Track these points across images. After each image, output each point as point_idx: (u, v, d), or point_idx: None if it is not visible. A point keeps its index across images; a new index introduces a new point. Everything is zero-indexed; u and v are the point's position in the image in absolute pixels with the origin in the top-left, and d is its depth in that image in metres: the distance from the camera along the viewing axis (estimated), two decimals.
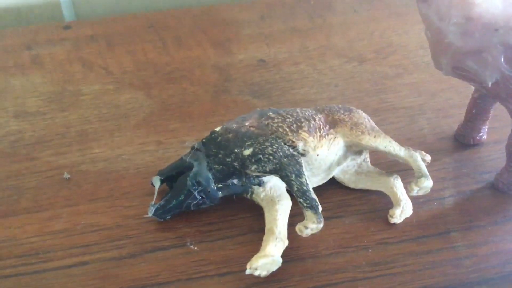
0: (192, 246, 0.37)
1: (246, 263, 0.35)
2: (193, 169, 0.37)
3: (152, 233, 0.38)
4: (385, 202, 0.39)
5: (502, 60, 0.35)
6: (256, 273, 0.34)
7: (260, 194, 0.37)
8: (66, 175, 0.42)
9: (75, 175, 0.42)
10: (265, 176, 0.37)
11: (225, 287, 0.34)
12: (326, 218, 0.37)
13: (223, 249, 0.37)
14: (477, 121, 0.43)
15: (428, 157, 0.41)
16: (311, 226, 0.34)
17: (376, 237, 0.37)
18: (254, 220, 0.38)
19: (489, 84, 0.36)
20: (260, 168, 0.36)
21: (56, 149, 0.45)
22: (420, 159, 0.38)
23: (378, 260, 0.36)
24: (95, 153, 0.44)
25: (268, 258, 0.34)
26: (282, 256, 0.35)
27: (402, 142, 0.41)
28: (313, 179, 0.38)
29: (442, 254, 0.36)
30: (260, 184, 0.37)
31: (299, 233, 0.35)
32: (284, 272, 0.35)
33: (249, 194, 0.38)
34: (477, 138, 0.44)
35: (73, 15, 0.67)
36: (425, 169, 0.37)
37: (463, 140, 0.44)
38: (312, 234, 0.35)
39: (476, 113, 0.43)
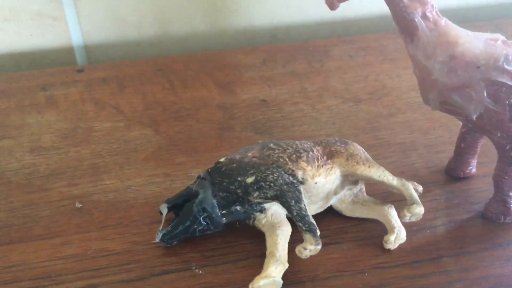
0: (197, 270, 0.39)
1: (248, 285, 0.37)
2: (199, 196, 0.40)
3: (159, 257, 0.40)
4: (380, 229, 0.41)
5: (485, 94, 0.38)
6: None
7: (261, 220, 0.40)
8: (78, 204, 0.45)
9: (87, 204, 0.45)
10: (266, 202, 0.39)
11: None
12: (324, 244, 0.39)
13: (226, 272, 0.39)
14: (466, 155, 0.46)
15: (420, 188, 0.43)
16: (310, 247, 0.36)
17: (372, 261, 0.39)
18: (256, 246, 0.40)
19: (474, 118, 0.39)
20: (262, 194, 0.38)
21: (69, 180, 0.48)
22: (412, 188, 0.40)
23: (374, 284, 0.38)
24: (106, 184, 0.47)
25: (269, 279, 0.36)
26: (282, 279, 0.37)
27: (395, 174, 0.44)
28: (311, 207, 0.40)
29: (434, 278, 0.38)
30: (262, 211, 0.40)
31: (298, 254, 0.37)
32: None
33: (251, 220, 0.40)
34: (467, 171, 0.46)
35: (86, 60, 0.71)
36: (416, 197, 0.40)
37: (454, 174, 0.47)
38: (311, 257, 0.37)
39: (464, 147, 0.45)
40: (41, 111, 0.57)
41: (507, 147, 0.40)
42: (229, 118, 0.56)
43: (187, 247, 0.40)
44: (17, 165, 0.50)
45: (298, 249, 0.37)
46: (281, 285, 0.36)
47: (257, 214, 0.40)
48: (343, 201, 0.43)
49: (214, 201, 0.39)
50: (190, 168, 0.49)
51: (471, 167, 0.47)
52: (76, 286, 0.38)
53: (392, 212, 0.41)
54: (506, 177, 0.41)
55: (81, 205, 0.45)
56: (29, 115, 0.57)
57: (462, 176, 0.47)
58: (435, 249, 0.40)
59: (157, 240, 0.40)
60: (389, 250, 0.40)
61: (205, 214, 0.39)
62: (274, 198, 0.38)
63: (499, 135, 0.39)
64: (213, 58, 0.67)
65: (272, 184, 0.38)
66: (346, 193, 0.43)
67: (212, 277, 0.38)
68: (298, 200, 0.38)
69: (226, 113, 0.56)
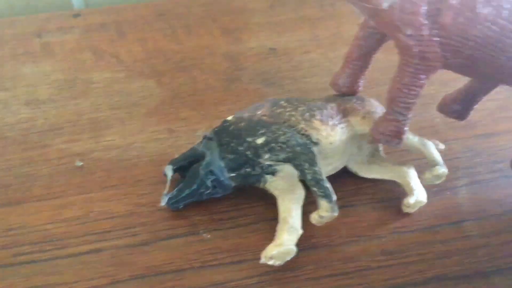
0: (205, 234, 0.37)
1: (259, 251, 0.35)
2: (206, 158, 0.37)
3: (165, 221, 0.38)
4: (399, 191, 0.39)
5: None
6: (271, 262, 0.34)
7: (273, 183, 0.37)
8: (78, 163, 0.42)
9: (88, 162, 0.43)
10: (278, 165, 0.37)
11: (239, 275, 0.35)
12: (339, 207, 0.37)
13: (236, 237, 0.37)
14: (357, 68, 0.39)
15: (441, 146, 0.40)
16: (326, 215, 0.34)
17: (389, 226, 0.37)
18: (267, 209, 0.38)
19: (384, 7, 0.32)
20: (274, 157, 0.36)
21: (68, 136, 0.45)
22: (434, 148, 0.38)
23: (392, 249, 0.36)
24: (107, 140, 0.44)
25: (283, 248, 0.34)
26: (295, 245, 0.35)
27: (414, 131, 0.41)
28: (325, 169, 0.38)
29: (456, 244, 0.36)
30: (273, 173, 0.37)
31: (313, 222, 0.34)
32: (298, 260, 0.35)
33: (262, 183, 0.37)
34: (354, 88, 0.40)
35: (83, 3, 0.67)
36: (439, 157, 0.37)
37: (337, 89, 0.40)
38: (326, 223, 0.35)
39: (356, 57, 0.39)
40: (37, 60, 0.54)
41: (414, 50, 0.32)
42: (235, 69, 0.52)
43: (194, 209, 0.38)
44: (13, 119, 0.47)
45: (313, 217, 0.34)
46: (295, 253, 0.34)
47: (268, 176, 0.37)
48: (358, 161, 0.40)
49: (222, 164, 0.37)
50: (195, 124, 0.46)
51: (359, 84, 0.40)
52: (79, 250, 0.36)
53: (411, 173, 0.39)
54: (404, 90, 0.34)
55: (81, 164, 0.42)
56: (24, 65, 0.54)
57: (345, 92, 0.40)
58: (456, 213, 0.38)
59: (163, 204, 0.38)
60: (407, 213, 0.38)
61: (213, 177, 0.37)
62: (287, 161, 0.36)
63: (408, 32, 0.32)
64: (218, 2, 0.63)
65: (284, 146, 0.36)
66: (362, 152, 0.40)
67: (221, 242, 0.36)
68: (312, 162, 0.35)
69: (233, 63, 0.53)
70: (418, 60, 0.33)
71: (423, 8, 0.32)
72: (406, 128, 0.36)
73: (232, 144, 0.37)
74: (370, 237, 0.37)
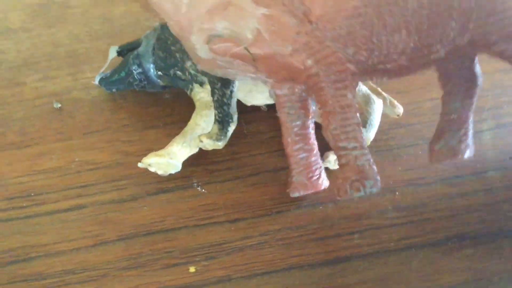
0: (199, 188, 0.33)
1: (260, 208, 0.32)
2: (139, 49, 0.35)
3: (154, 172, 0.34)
4: (415, 137, 0.35)
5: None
6: (152, 169, 0.32)
7: (198, 94, 0.34)
8: (56, 104, 0.38)
9: (67, 103, 0.38)
10: (199, 76, 0.34)
11: (237, 235, 0.31)
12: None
13: (233, 191, 0.33)
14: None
15: (400, 109, 0.34)
16: (207, 141, 0.32)
17: (403, 177, 0.34)
18: (268, 158, 0.34)
19: (251, 38, 0.25)
20: (194, 66, 0.33)
21: (44, 72, 0.40)
22: (378, 111, 0.34)
23: (406, 205, 0.32)
24: (88, 78, 0.40)
25: (164, 159, 0.32)
26: (300, 201, 0.32)
27: None
28: (257, 96, 0.34)
29: (478, 197, 0.33)
30: (202, 84, 0.34)
31: (194, 143, 0.32)
32: (302, 218, 0.32)
33: (189, 91, 0.35)
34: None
35: None
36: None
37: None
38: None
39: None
40: None
41: (310, 63, 0.25)
42: None
43: (187, 159, 0.34)
44: None
45: (199, 137, 0.32)
46: (179, 169, 0.32)
47: (196, 85, 0.34)
48: None
49: (151, 60, 0.35)
50: None
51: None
52: (60, 207, 0.33)
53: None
54: (338, 116, 0.26)
55: (59, 105, 0.38)
56: None
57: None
58: (479, 161, 0.34)
59: (96, 82, 0.36)
60: (423, 163, 0.34)
61: (140, 70, 0.35)
62: (203, 74, 0.33)
63: (289, 49, 0.25)
64: None
65: None
66: None
67: (217, 197, 0.33)
68: (226, 84, 0.32)
69: None
70: (324, 71, 0.25)
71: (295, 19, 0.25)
72: (370, 159, 0.27)
73: (169, 42, 0.34)
74: (382, 190, 0.33)
